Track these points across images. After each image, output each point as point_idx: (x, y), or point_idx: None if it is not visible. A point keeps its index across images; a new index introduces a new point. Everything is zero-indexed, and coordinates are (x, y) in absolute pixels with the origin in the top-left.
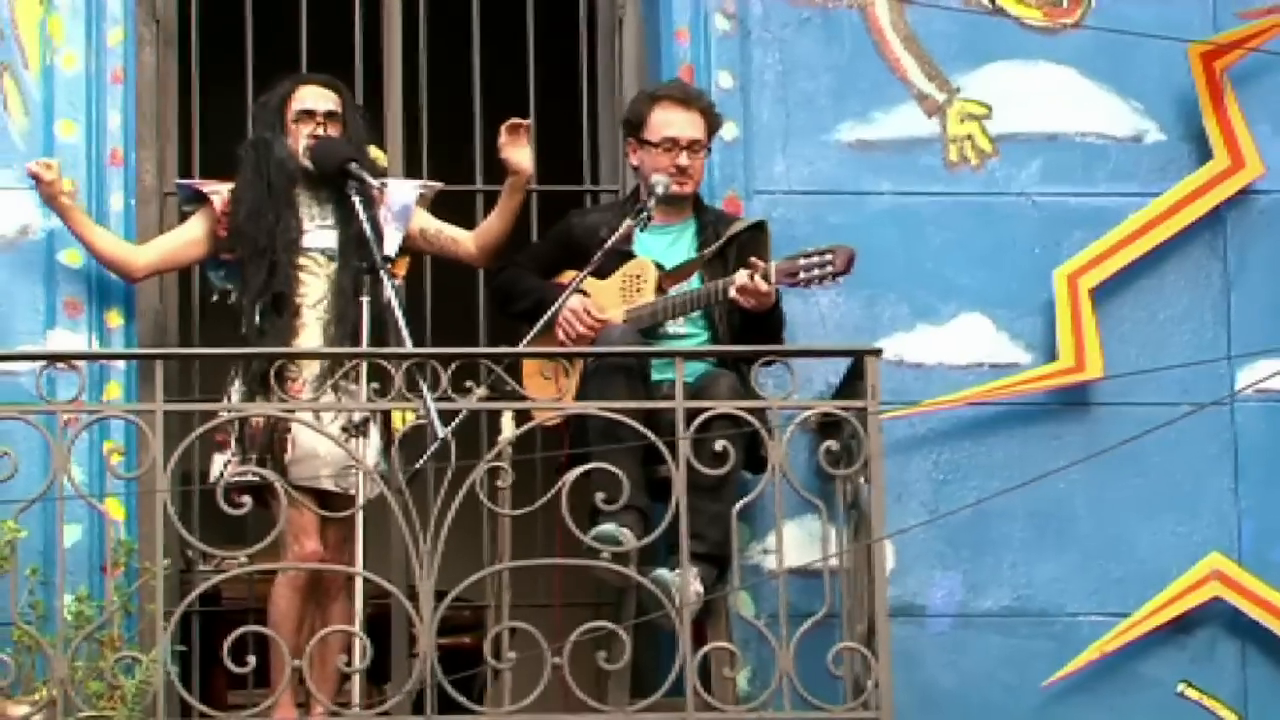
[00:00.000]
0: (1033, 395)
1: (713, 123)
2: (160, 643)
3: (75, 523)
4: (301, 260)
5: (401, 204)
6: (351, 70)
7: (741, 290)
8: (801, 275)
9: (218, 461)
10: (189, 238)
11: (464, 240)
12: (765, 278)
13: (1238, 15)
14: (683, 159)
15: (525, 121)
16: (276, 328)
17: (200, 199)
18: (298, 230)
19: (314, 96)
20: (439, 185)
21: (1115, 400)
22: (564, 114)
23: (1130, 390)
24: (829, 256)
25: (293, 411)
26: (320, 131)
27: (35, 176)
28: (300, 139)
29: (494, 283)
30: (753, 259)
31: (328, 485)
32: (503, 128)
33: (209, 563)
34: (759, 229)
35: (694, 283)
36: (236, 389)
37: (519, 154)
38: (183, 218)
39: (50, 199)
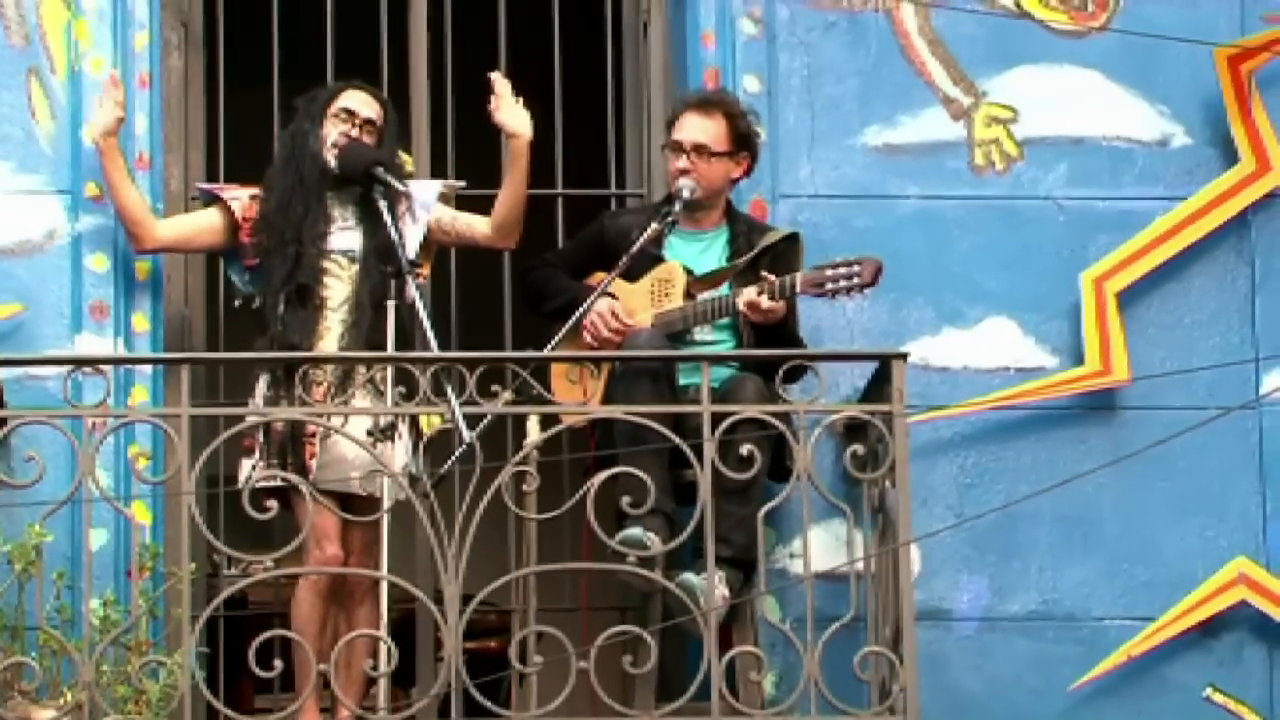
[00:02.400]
0: (1059, 399)
1: (740, 129)
2: (186, 647)
3: (101, 527)
4: (325, 262)
5: (422, 200)
6: (378, 75)
7: (749, 306)
8: (828, 286)
9: (245, 466)
10: (207, 224)
11: (479, 224)
12: (774, 294)
13: (1264, 18)
14: (681, 161)
15: (500, 79)
16: (300, 320)
17: (218, 203)
18: (325, 225)
19: (359, 101)
20: (460, 184)
21: (1142, 404)
22: (590, 118)
23: (1157, 394)
24: (856, 268)
25: (322, 416)
26: (354, 133)
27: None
28: (332, 135)
29: (525, 281)
30: (763, 273)
31: (355, 489)
32: (493, 95)
33: (235, 567)
34: (792, 240)
35: (724, 291)
36: (261, 389)
37: (509, 115)
38: None
39: (107, 130)
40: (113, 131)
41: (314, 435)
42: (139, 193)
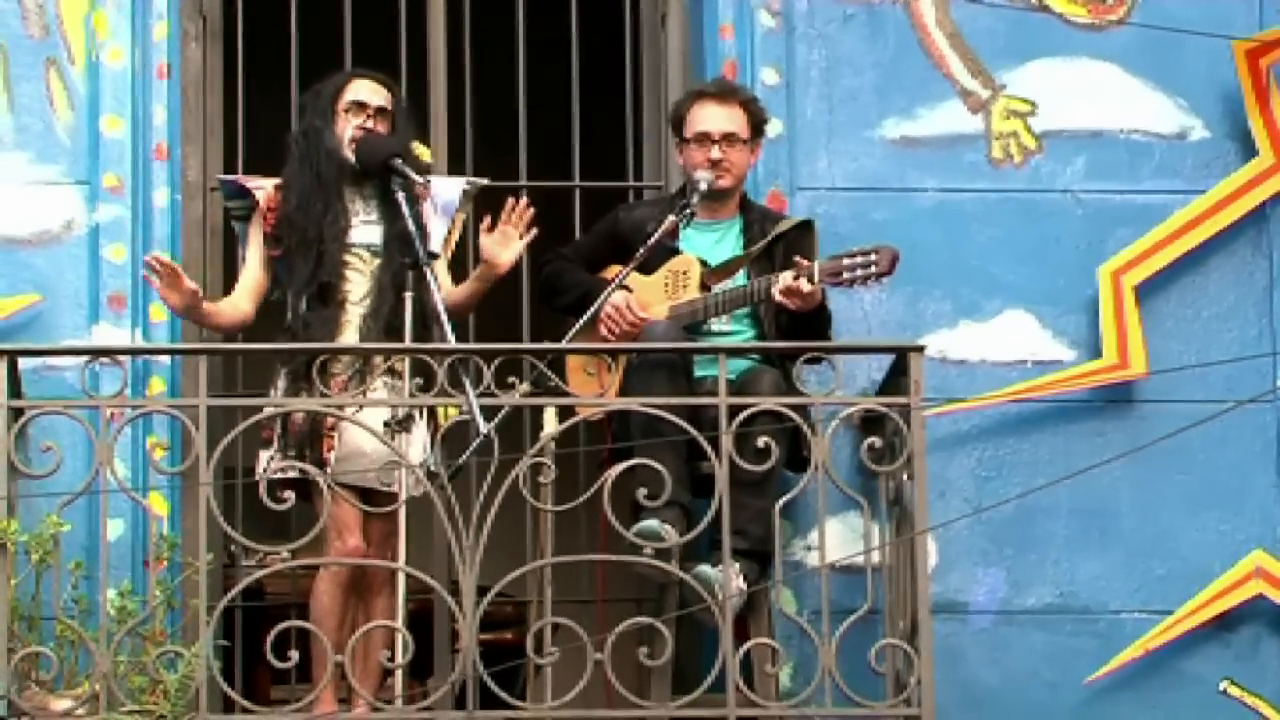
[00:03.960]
0: (1077, 392)
1: (755, 116)
2: (203, 637)
3: (118, 517)
4: (346, 256)
5: (446, 200)
6: (396, 67)
7: (786, 291)
8: (845, 275)
9: (263, 457)
10: (263, 257)
11: (444, 285)
12: (809, 278)
13: None
14: (715, 152)
15: (524, 210)
16: (322, 318)
17: (243, 194)
18: (345, 221)
19: (367, 90)
20: (484, 181)
21: (1159, 398)
22: (608, 110)
23: (1174, 387)
24: (873, 257)
25: (341, 407)
26: (369, 124)
27: (158, 268)
28: (348, 130)
29: (541, 275)
30: (797, 259)
31: (373, 483)
32: (504, 213)
33: (252, 557)
34: (805, 228)
35: (739, 280)
36: (281, 386)
37: (499, 248)
38: (226, 213)
39: (187, 310)
40: (196, 305)
41: (332, 429)
42: (226, 307)
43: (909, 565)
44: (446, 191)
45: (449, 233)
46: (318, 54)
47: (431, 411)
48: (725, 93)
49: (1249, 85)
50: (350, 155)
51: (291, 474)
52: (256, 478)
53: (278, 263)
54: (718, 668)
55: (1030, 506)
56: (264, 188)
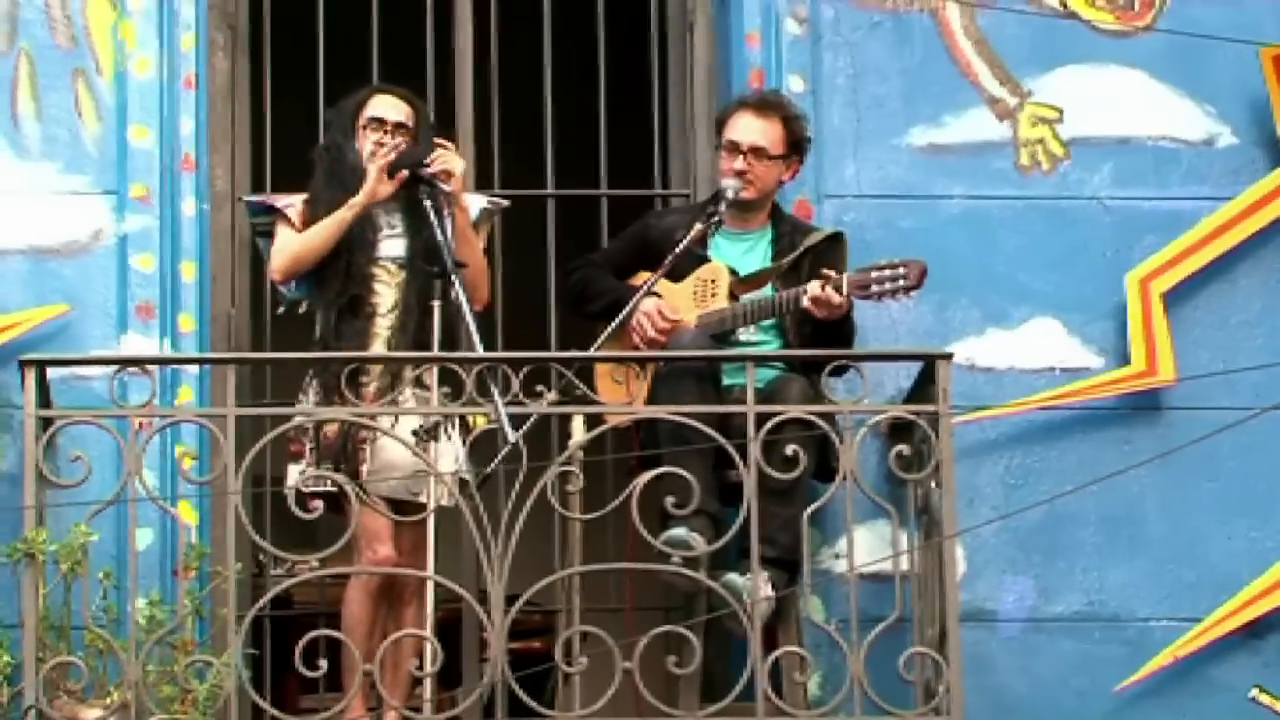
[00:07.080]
0: (1104, 400)
1: (795, 133)
2: (232, 646)
3: (147, 526)
4: (374, 269)
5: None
6: (423, 77)
7: (815, 301)
8: (874, 288)
9: (293, 472)
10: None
11: None
12: (837, 289)
13: None
14: (738, 163)
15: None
16: (354, 330)
17: (269, 211)
18: (374, 234)
19: (387, 106)
20: (505, 202)
21: (1188, 405)
22: (634, 118)
23: (1203, 394)
24: (901, 270)
25: (373, 418)
26: (387, 140)
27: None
28: (367, 145)
29: (569, 281)
30: (825, 270)
31: (404, 495)
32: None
33: (281, 567)
34: (836, 240)
35: (767, 291)
36: (310, 396)
37: (446, 162)
38: (253, 227)
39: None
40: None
41: (363, 442)
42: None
43: (937, 573)
44: (468, 206)
45: None
46: (345, 64)
47: (464, 421)
48: (766, 106)
49: (1276, 91)
50: (372, 170)
51: (324, 487)
52: (288, 488)
53: (306, 279)
54: (746, 676)
55: (1058, 514)
56: (293, 204)
